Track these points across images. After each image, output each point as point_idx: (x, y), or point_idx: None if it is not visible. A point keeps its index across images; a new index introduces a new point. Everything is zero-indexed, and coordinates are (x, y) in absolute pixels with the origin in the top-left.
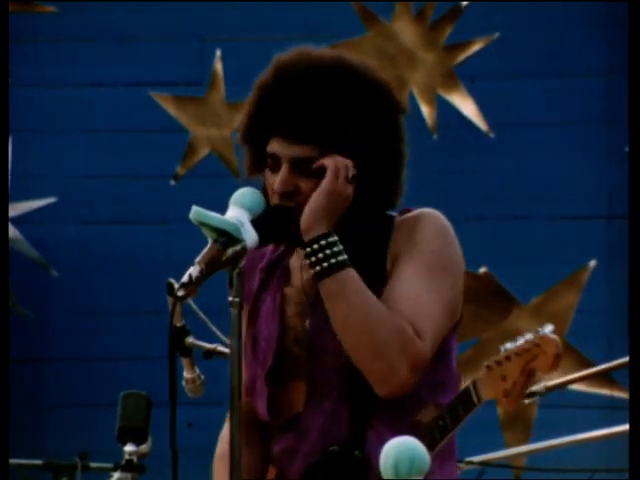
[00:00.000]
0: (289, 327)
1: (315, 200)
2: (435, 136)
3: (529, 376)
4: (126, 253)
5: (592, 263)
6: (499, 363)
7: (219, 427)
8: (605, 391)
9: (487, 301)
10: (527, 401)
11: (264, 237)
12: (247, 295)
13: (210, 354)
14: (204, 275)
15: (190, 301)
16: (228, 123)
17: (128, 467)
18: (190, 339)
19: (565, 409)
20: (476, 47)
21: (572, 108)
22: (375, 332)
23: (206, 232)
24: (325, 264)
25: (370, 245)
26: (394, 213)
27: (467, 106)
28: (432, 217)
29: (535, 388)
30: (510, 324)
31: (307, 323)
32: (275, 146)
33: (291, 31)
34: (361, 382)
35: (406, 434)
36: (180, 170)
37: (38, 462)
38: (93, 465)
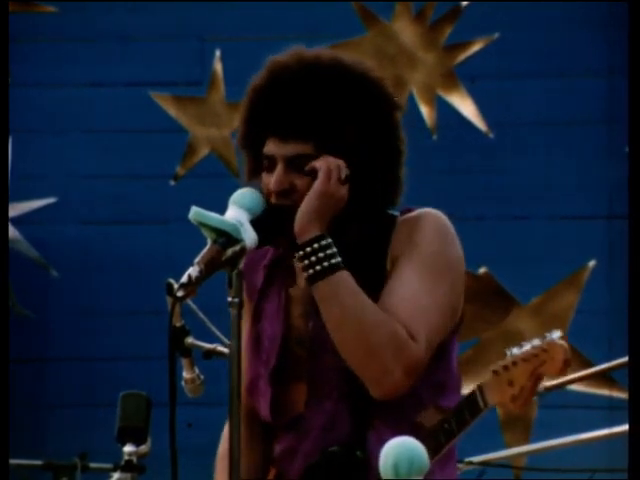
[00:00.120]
0: (293, 328)
1: (307, 203)
2: (435, 136)
3: (536, 382)
4: (126, 253)
5: (592, 263)
6: (506, 368)
7: (219, 427)
8: (605, 391)
9: (487, 301)
10: None
11: (263, 237)
12: (251, 292)
13: (210, 354)
14: (203, 275)
15: (189, 301)
16: (228, 123)
17: (128, 467)
18: (190, 339)
19: (565, 409)
20: (476, 47)
21: (572, 108)
22: (368, 336)
23: (205, 232)
24: (318, 267)
25: (370, 245)
26: (396, 213)
27: (467, 106)
28: (432, 217)
29: None
30: (510, 324)
31: (310, 324)
32: (270, 147)
33: (291, 31)
34: (361, 382)
35: (407, 435)
36: (180, 170)
37: (38, 462)
38: (93, 465)
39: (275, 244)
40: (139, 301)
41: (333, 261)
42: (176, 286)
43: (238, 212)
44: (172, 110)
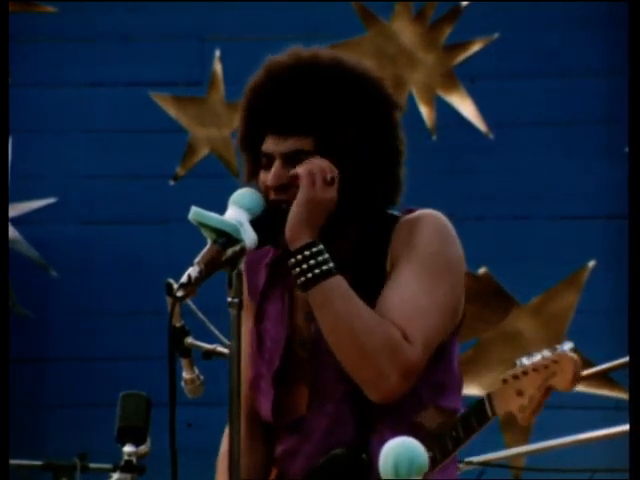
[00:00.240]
0: (297, 330)
1: (294, 211)
2: (434, 137)
3: (546, 393)
4: (126, 253)
5: (592, 263)
6: (515, 377)
7: (219, 427)
8: (605, 391)
9: (487, 301)
10: None
11: (263, 237)
12: (253, 291)
13: (209, 354)
14: (203, 275)
15: (189, 301)
16: (228, 123)
17: (127, 467)
18: (189, 339)
19: (564, 409)
20: (476, 47)
21: (572, 108)
22: (362, 341)
23: (205, 232)
24: (310, 274)
25: (370, 245)
26: (397, 213)
27: (467, 106)
28: (432, 218)
29: None
30: (510, 324)
31: (312, 327)
32: (268, 144)
33: (291, 31)
34: None
35: (408, 435)
36: (180, 170)
37: (38, 462)
38: (92, 465)
39: (275, 244)
40: (139, 301)
41: (325, 268)
42: (176, 286)
43: (238, 212)
44: (172, 110)
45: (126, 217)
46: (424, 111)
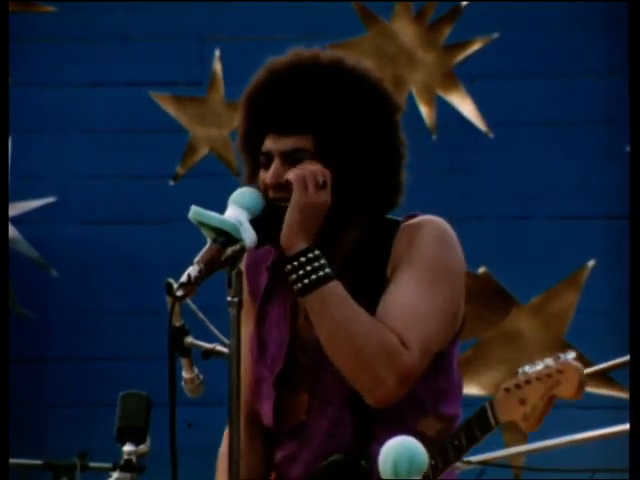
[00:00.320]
0: (299, 335)
1: (289, 218)
2: (434, 136)
3: (549, 402)
4: (126, 253)
5: (592, 263)
6: (518, 386)
7: (219, 427)
8: (605, 391)
9: (487, 301)
10: None
11: (263, 237)
12: (254, 293)
13: (209, 354)
14: (203, 275)
15: (189, 301)
16: (228, 123)
17: (127, 467)
18: (189, 339)
19: (564, 409)
20: (476, 47)
21: (572, 108)
22: (359, 346)
23: (205, 232)
24: (306, 281)
25: (371, 250)
26: (399, 218)
27: (466, 106)
28: (433, 224)
29: None
30: (510, 324)
31: (314, 332)
32: (268, 143)
33: (291, 31)
34: None
35: None
36: (180, 170)
37: (38, 462)
38: (92, 465)
39: (275, 244)
40: (139, 301)
41: (321, 273)
42: (176, 286)
43: (238, 211)
44: (172, 110)
45: (126, 217)
46: (424, 111)
